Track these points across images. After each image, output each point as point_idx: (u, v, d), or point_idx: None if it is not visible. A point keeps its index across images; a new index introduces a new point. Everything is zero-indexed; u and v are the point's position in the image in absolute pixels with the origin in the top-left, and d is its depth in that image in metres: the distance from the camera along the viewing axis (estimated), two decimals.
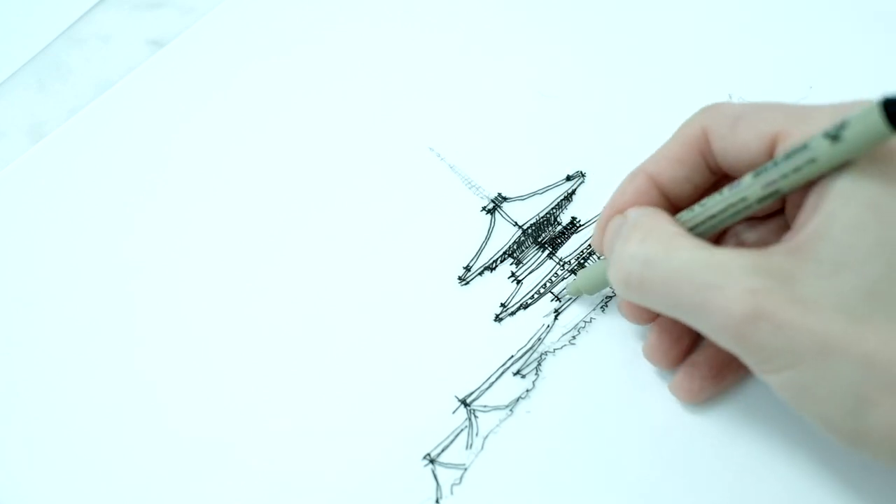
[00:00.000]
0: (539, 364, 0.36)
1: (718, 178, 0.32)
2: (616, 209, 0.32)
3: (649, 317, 0.34)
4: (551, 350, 0.36)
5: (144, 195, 0.41)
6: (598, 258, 0.37)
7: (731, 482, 0.33)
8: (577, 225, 0.38)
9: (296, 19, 0.44)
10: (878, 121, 0.25)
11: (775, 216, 0.33)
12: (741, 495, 0.33)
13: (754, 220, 0.33)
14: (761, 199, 0.29)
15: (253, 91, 0.43)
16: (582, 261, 0.38)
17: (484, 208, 0.39)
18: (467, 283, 0.38)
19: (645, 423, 0.34)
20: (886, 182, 0.26)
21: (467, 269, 0.38)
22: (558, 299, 0.37)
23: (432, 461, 0.34)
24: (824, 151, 0.26)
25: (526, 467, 0.34)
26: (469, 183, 0.40)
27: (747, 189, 0.29)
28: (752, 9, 0.43)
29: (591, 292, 0.36)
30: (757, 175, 0.29)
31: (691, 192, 0.32)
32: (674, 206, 0.32)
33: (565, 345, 0.36)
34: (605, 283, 0.35)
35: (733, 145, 0.30)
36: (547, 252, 0.38)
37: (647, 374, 0.35)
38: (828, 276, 0.26)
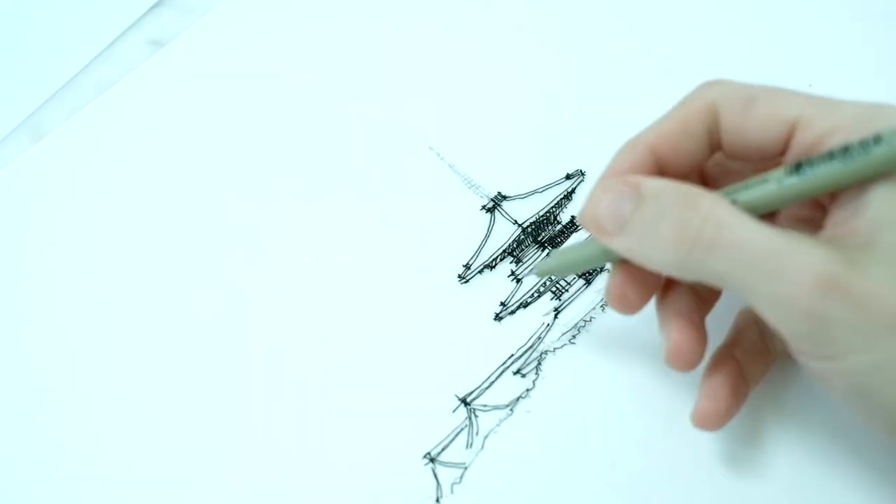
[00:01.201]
0: (539, 363, 0.36)
1: (712, 155, 0.31)
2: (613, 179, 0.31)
3: (643, 302, 0.32)
4: (551, 349, 0.36)
5: (144, 195, 0.40)
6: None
7: (731, 482, 0.33)
8: (577, 224, 0.38)
9: (296, 19, 0.44)
10: None
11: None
12: (741, 495, 0.33)
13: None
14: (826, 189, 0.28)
15: (253, 91, 0.43)
16: None
17: (484, 207, 0.39)
18: (467, 281, 0.38)
19: (645, 422, 0.34)
20: None
21: (467, 267, 0.38)
22: (558, 298, 0.37)
23: (432, 460, 0.34)
24: None
25: (526, 467, 0.34)
26: (469, 182, 0.40)
27: (826, 176, 0.27)
28: (752, 9, 0.43)
29: (572, 272, 0.35)
30: (835, 157, 0.27)
31: (687, 168, 0.31)
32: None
33: (565, 344, 0.36)
34: (595, 262, 0.33)
35: (745, 126, 0.29)
36: (547, 251, 0.38)
37: (646, 374, 0.35)
38: (893, 260, 0.26)
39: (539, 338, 0.36)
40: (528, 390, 0.35)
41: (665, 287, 0.32)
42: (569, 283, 0.37)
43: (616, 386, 0.35)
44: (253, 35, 0.44)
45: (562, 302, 0.37)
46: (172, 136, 0.42)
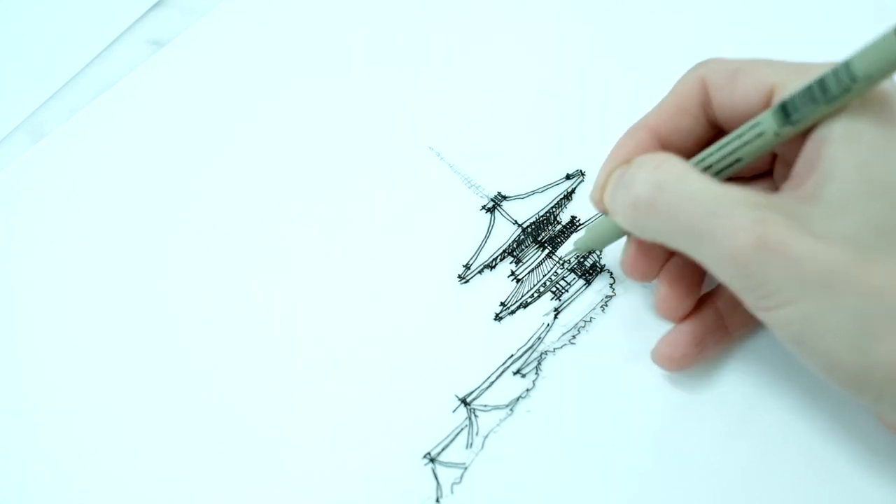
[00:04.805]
0: (539, 363, 0.36)
1: (716, 133, 0.33)
2: (618, 161, 0.32)
3: (653, 271, 0.34)
4: (551, 349, 0.36)
5: (144, 195, 0.40)
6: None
7: (731, 482, 0.33)
8: (577, 224, 0.38)
9: (296, 19, 0.44)
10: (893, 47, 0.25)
11: (762, 178, 0.34)
12: (740, 495, 0.33)
13: (741, 179, 0.33)
14: (776, 134, 0.29)
15: (253, 91, 0.43)
16: (582, 259, 0.38)
17: (484, 207, 0.39)
18: (467, 281, 0.38)
19: (644, 422, 0.34)
20: (882, 124, 0.27)
21: (467, 267, 0.38)
22: (558, 298, 0.37)
23: (432, 460, 0.34)
24: (853, 82, 0.26)
25: (526, 467, 0.34)
26: (469, 182, 0.40)
27: (763, 124, 0.29)
28: (752, 8, 0.43)
29: (600, 247, 0.37)
30: (780, 109, 0.28)
31: (692, 147, 0.33)
32: None
33: (565, 344, 0.36)
34: (615, 237, 0.35)
35: (732, 97, 0.31)
36: (547, 251, 0.38)
37: (646, 374, 0.35)
38: (834, 215, 0.27)
39: (539, 338, 0.36)
40: (528, 390, 0.35)
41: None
42: (569, 284, 0.37)
43: (616, 386, 0.35)
44: (253, 35, 0.44)
45: (562, 302, 0.37)
46: (172, 135, 0.42)
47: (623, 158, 0.32)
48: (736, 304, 0.33)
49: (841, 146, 0.27)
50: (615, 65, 0.42)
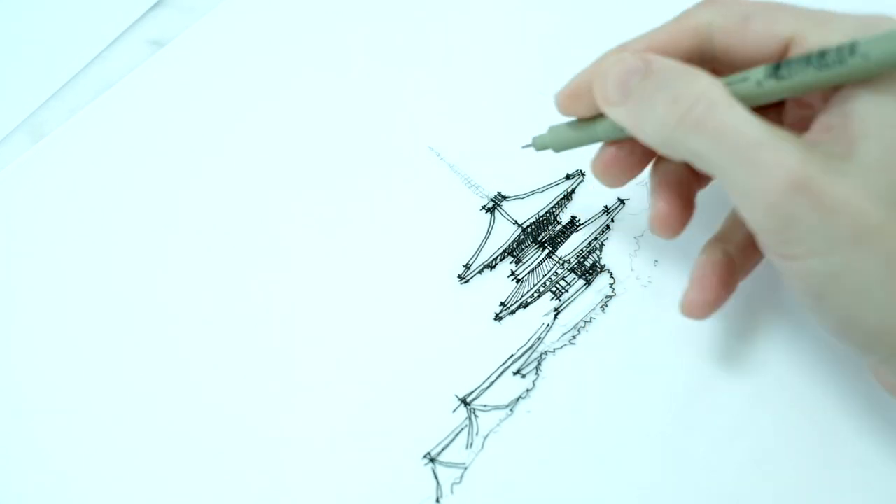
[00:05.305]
0: (539, 364, 0.36)
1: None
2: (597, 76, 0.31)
3: (625, 178, 0.33)
4: (551, 350, 0.36)
5: (144, 195, 0.41)
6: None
7: (731, 482, 0.33)
8: (577, 224, 0.38)
9: (296, 19, 0.44)
10: None
11: (768, 110, 0.32)
12: (740, 494, 0.33)
13: None
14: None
15: (253, 91, 0.43)
16: (582, 259, 0.38)
17: (484, 207, 0.39)
18: (467, 281, 0.38)
19: (644, 422, 0.34)
20: None
21: (467, 267, 0.38)
22: (558, 298, 0.37)
23: (432, 460, 0.34)
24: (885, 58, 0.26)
25: (526, 467, 0.34)
26: (469, 182, 0.40)
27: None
28: None
29: (557, 149, 0.34)
30: (811, 63, 0.27)
31: None
32: None
33: (565, 344, 0.36)
34: (578, 142, 0.33)
35: (743, 43, 0.29)
36: (547, 251, 0.38)
37: (646, 374, 0.35)
38: (868, 173, 0.26)
39: (539, 338, 0.36)
40: (528, 390, 0.35)
41: (659, 158, 0.33)
42: (569, 284, 0.37)
43: (616, 386, 0.35)
44: (253, 35, 0.44)
45: (562, 302, 0.37)
46: (173, 135, 0.42)
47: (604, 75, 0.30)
48: (745, 248, 0.32)
49: (872, 106, 0.26)
50: None
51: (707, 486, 0.33)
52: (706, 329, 0.35)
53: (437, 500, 0.34)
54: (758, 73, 0.28)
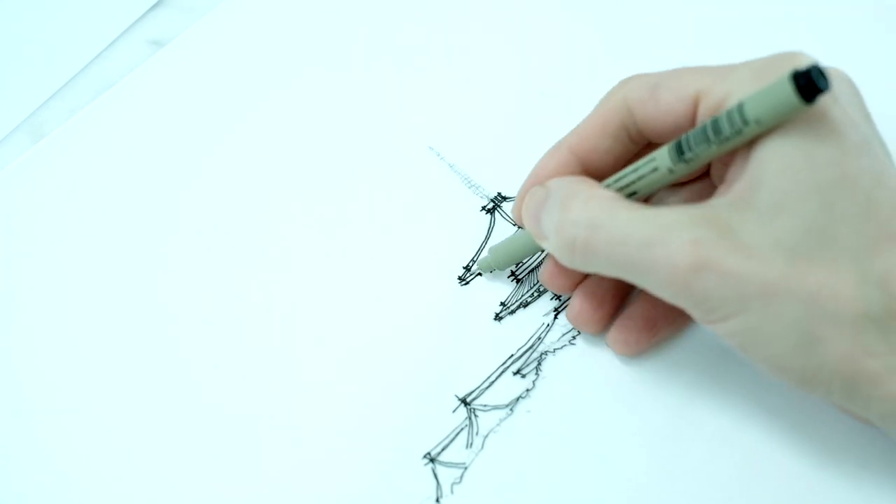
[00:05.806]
0: (539, 363, 0.36)
1: (640, 149, 0.33)
2: (538, 181, 0.33)
3: (571, 285, 0.35)
4: (551, 349, 0.36)
5: (145, 195, 0.40)
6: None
7: (730, 481, 0.33)
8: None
9: (296, 19, 0.44)
10: (790, 95, 0.26)
11: (699, 179, 0.34)
12: (739, 495, 0.33)
13: (677, 184, 0.34)
14: (670, 171, 0.30)
15: (253, 91, 0.43)
16: None
17: (484, 207, 0.39)
18: (467, 283, 0.38)
19: (644, 422, 0.34)
20: (812, 128, 0.27)
21: (467, 269, 0.38)
22: (558, 298, 0.37)
23: (432, 460, 0.34)
24: (748, 129, 0.27)
25: (526, 466, 0.34)
26: (469, 182, 0.40)
27: (658, 160, 0.30)
28: (752, 9, 0.43)
29: (501, 267, 0.37)
30: (675, 147, 0.29)
31: (612, 164, 0.33)
32: (594, 179, 0.33)
33: (565, 344, 0.36)
34: (518, 257, 0.36)
35: (656, 111, 0.31)
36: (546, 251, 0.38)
37: (646, 374, 0.35)
38: (766, 221, 0.27)
39: (539, 338, 0.36)
40: (528, 390, 0.35)
41: None
42: None
43: (616, 386, 0.35)
44: (253, 35, 0.44)
45: (562, 302, 0.37)
46: (173, 135, 0.42)
47: (544, 177, 0.33)
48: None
49: (769, 151, 0.27)
50: (616, 65, 0.41)
51: (707, 486, 0.33)
52: (706, 328, 0.35)
53: (437, 500, 0.34)
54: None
